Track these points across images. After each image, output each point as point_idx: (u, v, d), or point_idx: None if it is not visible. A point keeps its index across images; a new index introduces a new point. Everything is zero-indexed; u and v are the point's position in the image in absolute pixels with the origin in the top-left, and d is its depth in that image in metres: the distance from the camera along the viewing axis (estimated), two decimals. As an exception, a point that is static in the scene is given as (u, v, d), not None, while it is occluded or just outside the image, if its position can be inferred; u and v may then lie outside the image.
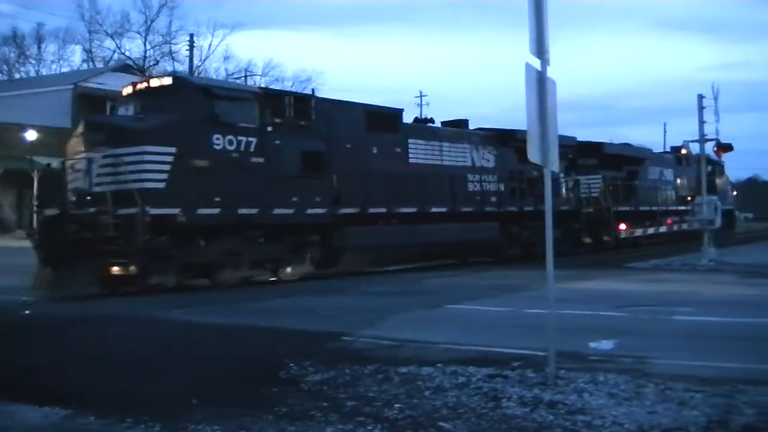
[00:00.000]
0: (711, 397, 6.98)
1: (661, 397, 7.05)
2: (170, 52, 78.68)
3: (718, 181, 46.25)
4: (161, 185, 17.31)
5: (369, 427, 6.33)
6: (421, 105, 76.93)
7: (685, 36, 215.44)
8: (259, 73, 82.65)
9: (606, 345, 9.92)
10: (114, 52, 78.91)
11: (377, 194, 22.01)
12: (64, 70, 76.35)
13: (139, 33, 79.35)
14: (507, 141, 26.90)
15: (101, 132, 18.02)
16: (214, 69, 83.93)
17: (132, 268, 17.32)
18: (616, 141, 34.65)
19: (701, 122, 25.01)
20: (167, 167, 17.37)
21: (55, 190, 18.90)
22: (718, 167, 46.63)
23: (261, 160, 19.01)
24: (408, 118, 26.51)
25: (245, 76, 75.96)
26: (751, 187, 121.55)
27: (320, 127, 20.76)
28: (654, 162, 37.35)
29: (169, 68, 78.38)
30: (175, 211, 17.48)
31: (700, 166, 26.29)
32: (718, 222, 25.16)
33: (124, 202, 16.70)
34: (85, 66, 76.58)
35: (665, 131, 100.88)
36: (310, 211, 20.25)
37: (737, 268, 21.63)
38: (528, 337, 10.05)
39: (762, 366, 8.30)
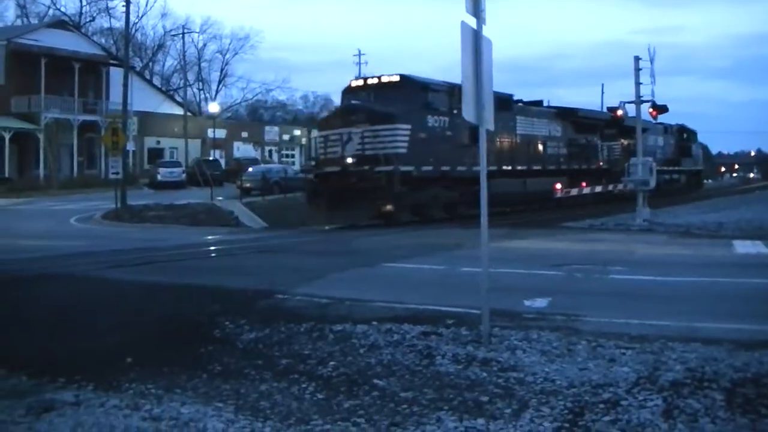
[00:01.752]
0: (640, 354, 7.11)
1: (593, 354, 7.16)
2: (107, 9, 77.20)
3: (693, 146, 53.54)
4: (405, 150, 24.97)
5: (303, 385, 6.33)
6: (359, 63, 76.52)
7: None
8: (197, 30, 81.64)
9: (540, 303, 10.04)
10: (49, 8, 77.12)
11: (504, 156, 29.57)
12: (-3, 25, 74.31)
13: (75, -12, 77.54)
14: (567, 116, 35.88)
15: (361, 114, 25.42)
16: (152, 26, 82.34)
17: (389, 207, 24.92)
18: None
19: (638, 84, 25.22)
20: (407, 138, 25.13)
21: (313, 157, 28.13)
22: (693, 135, 53.91)
23: (450, 133, 26.53)
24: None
25: (183, 33, 74.85)
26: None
27: None
28: (651, 131, 43.03)
29: (106, 25, 76.91)
30: (411, 168, 25.06)
31: (637, 129, 26.54)
32: (653, 183, 25.51)
33: (383, 162, 24.15)
34: (18, 22, 74.63)
35: (603, 92, 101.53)
36: (474, 168, 25.02)
37: (669, 229, 21.94)
38: (463, 296, 10.12)
39: (691, 324, 8.44)
